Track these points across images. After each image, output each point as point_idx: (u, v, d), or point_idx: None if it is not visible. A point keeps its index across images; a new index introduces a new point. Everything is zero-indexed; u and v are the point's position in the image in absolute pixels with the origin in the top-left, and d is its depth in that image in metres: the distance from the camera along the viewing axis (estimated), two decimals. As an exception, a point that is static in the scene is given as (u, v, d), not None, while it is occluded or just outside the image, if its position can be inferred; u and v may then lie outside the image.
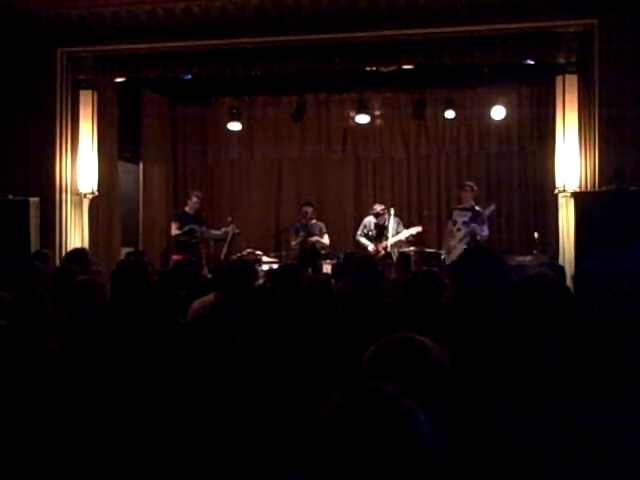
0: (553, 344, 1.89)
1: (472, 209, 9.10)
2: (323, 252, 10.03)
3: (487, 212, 9.09)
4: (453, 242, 8.93)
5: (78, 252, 7.05)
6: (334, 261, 9.26)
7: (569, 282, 5.21)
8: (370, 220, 9.95)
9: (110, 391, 2.85)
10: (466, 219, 9.00)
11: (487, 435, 1.79)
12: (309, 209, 10.02)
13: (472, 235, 8.86)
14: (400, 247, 9.50)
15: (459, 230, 8.97)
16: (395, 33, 8.42)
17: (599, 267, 4.15)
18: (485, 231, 8.92)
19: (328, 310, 3.97)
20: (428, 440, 1.19)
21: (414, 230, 9.66)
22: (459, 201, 9.35)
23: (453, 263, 7.15)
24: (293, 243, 9.97)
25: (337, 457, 1.14)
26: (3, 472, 2.42)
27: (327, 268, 9.13)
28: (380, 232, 9.75)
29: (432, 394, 1.78)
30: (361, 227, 10.03)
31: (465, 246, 8.48)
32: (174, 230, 9.75)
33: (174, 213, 10.49)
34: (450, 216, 9.28)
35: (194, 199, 9.95)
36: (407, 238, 9.54)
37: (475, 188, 9.29)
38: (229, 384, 2.21)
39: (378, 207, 9.92)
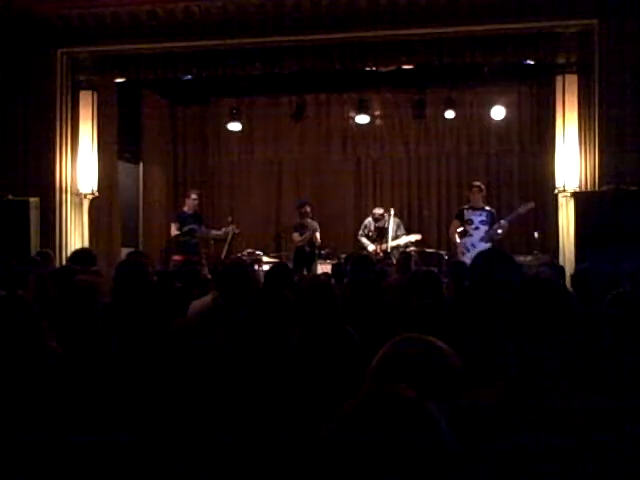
0: (553, 344, 1.89)
1: (483, 209, 9.02)
2: (323, 252, 10.05)
3: (523, 210, 8.96)
4: (471, 240, 8.77)
5: (84, 252, 6.99)
6: (334, 261, 9.27)
7: (567, 281, 5.21)
8: (370, 221, 9.98)
9: (110, 391, 2.85)
10: (483, 218, 8.89)
11: (488, 435, 1.79)
12: (309, 208, 10.07)
13: (492, 239, 8.77)
14: (398, 248, 9.52)
15: (477, 229, 8.85)
16: (395, 33, 8.42)
17: (599, 267, 4.15)
18: (500, 230, 8.82)
19: (329, 311, 3.95)
20: (453, 443, 1.16)
21: (413, 237, 9.65)
22: (468, 201, 9.25)
23: (454, 263, 7.15)
24: (298, 240, 9.98)
25: (356, 465, 1.10)
26: (3, 472, 2.42)
27: (327, 268, 9.14)
28: (380, 234, 9.76)
29: (445, 394, 1.78)
30: (362, 228, 10.07)
31: (484, 244, 8.51)
32: (174, 231, 9.74)
33: (174, 214, 10.48)
34: (460, 216, 9.10)
35: (192, 196, 9.95)
36: (406, 244, 9.53)
37: (483, 187, 9.18)
38: (224, 383, 2.22)
39: (377, 211, 9.94)
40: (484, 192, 9.19)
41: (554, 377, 1.87)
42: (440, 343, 1.91)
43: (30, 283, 5.00)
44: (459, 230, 9.01)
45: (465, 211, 9.03)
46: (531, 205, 8.97)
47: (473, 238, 8.79)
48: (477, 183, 9.31)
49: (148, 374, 2.84)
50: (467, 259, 7.68)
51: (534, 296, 1.94)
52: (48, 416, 2.71)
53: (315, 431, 1.26)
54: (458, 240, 8.97)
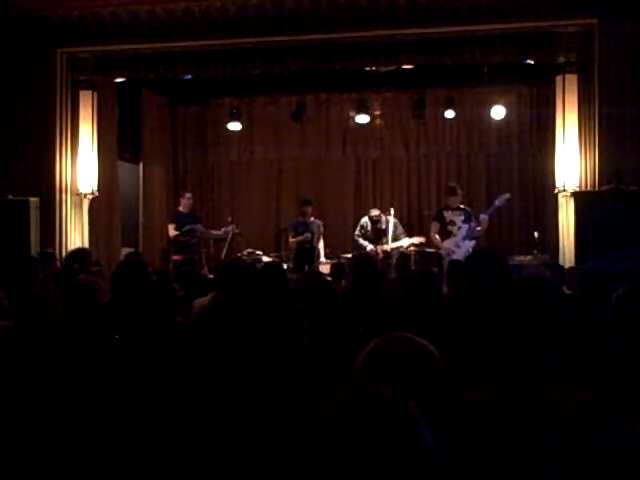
0: (550, 344, 1.89)
1: (461, 209, 9.22)
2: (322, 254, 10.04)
3: (500, 202, 9.09)
4: (455, 241, 8.97)
5: (80, 252, 7.05)
6: (333, 261, 9.27)
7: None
8: (367, 221, 9.96)
9: (110, 389, 2.85)
10: (463, 217, 9.09)
11: (486, 435, 1.79)
12: (309, 208, 10.03)
13: (472, 236, 8.94)
14: (399, 249, 9.52)
15: (460, 228, 9.02)
16: (395, 33, 8.43)
17: (607, 265, 4.14)
18: (479, 227, 8.97)
19: (332, 310, 3.96)
20: (430, 446, 1.13)
21: (417, 240, 9.64)
22: (447, 202, 9.38)
23: (453, 262, 7.16)
24: (292, 240, 9.97)
25: (333, 464, 1.09)
26: (5, 470, 2.42)
27: (326, 268, 9.14)
28: (378, 235, 9.76)
29: (429, 393, 1.77)
30: (358, 228, 10.04)
31: (468, 241, 8.79)
32: (171, 231, 9.75)
33: (170, 214, 10.47)
34: (440, 218, 9.24)
35: (187, 195, 10.00)
36: (409, 246, 9.54)
37: (457, 187, 9.40)
38: (225, 380, 2.22)
39: (374, 212, 9.93)
40: (461, 192, 9.35)
41: (552, 377, 1.87)
42: (424, 341, 1.91)
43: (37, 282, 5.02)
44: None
45: (445, 212, 9.20)
46: (506, 196, 9.16)
47: (457, 238, 8.99)
48: (453, 184, 9.45)
49: (149, 372, 2.84)
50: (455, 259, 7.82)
51: (530, 295, 1.94)
52: (49, 414, 2.71)
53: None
54: (439, 239, 9.14)
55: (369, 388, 1.21)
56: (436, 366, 1.82)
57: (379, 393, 1.18)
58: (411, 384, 1.66)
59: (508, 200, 9.26)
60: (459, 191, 9.31)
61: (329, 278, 6.42)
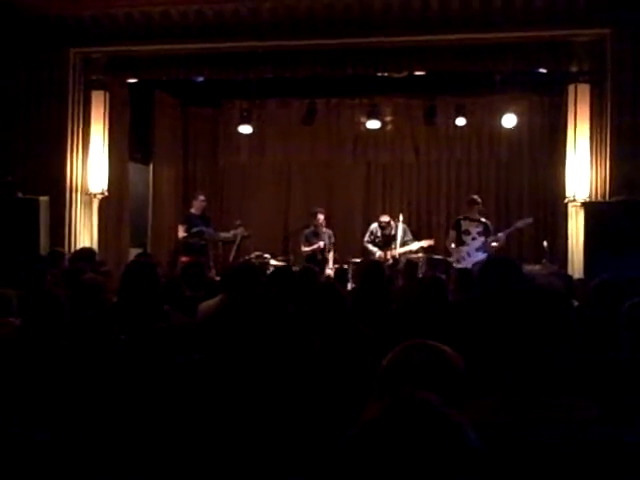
0: (553, 355, 1.88)
1: (479, 221, 9.32)
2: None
3: (521, 225, 9.19)
4: (467, 249, 9.08)
5: (85, 251, 7.07)
6: (338, 265, 9.30)
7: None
8: (376, 227, 9.97)
9: (115, 390, 2.85)
10: (480, 229, 9.19)
11: (488, 449, 1.77)
12: (322, 216, 10.03)
13: (485, 249, 9.00)
14: (408, 254, 9.54)
15: (474, 239, 9.11)
16: (407, 39, 8.43)
17: (622, 277, 4.11)
18: (496, 243, 9.12)
19: (340, 314, 3.95)
20: (481, 457, 1.13)
21: (425, 243, 9.68)
22: (466, 213, 9.44)
23: (461, 270, 7.16)
24: (304, 250, 9.95)
25: (383, 470, 1.08)
26: (8, 468, 2.42)
27: (332, 273, 9.15)
28: (387, 241, 9.77)
29: (451, 400, 1.77)
30: (368, 234, 10.05)
31: (481, 254, 8.82)
32: (181, 232, 9.75)
33: (182, 216, 10.48)
34: (457, 226, 9.33)
35: (200, 198, 9.97)
36: (417, 250, 9.59)
37: (479, 200, 9.48)
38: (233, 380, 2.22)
39: (383, 219, 9.94)
40: (480, 205, 9.41)
41: (555, 389, 1.86)
42: (445, 347, 1.91)
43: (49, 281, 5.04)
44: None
45: (462, 221, 9.29)
46: (529, 221, 9.32)
47: (469, 247, 9.14)
48: (474, 196, 9.50)
49: (153, 373, 2.84)
50: (463, 267, 7.99)
51: (536, 306, 1.93)
52: (54, 411, 2.72)
53: (336, 431, 1.24)
54: (454, 247, 9.25)
55: (416, 396, 1.20)
56: (455, 371, 1.81)
57: (427, 401, 1.17)
58: (432, 390, 1.66)
59: (529, 224, 9.33)
60: (479, 203, 9.38)
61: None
